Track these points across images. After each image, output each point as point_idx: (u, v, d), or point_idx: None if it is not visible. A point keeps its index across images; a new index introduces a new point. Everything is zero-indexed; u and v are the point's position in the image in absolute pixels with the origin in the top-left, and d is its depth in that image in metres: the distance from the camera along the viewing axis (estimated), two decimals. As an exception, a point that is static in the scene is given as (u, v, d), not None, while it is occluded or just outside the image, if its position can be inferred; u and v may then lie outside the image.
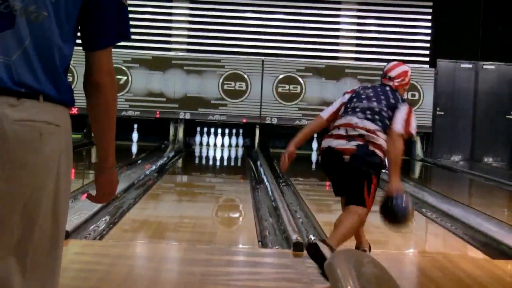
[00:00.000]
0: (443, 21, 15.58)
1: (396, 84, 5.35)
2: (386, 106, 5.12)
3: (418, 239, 7.07)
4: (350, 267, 1.76)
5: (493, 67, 15.28)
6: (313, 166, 14.82)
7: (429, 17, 15.42)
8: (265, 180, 9.64)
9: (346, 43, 15.71)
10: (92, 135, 2.39)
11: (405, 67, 5.46)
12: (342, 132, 5.06)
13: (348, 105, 5.23)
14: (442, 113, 14.85)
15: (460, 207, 8.18)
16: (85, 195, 2.54)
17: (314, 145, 15.44)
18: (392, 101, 5.17)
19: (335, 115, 5.26)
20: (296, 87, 15.08)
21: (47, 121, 2.22)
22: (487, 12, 15.55)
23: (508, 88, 15.30)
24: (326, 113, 5.33)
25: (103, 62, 2.32)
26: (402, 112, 5.10)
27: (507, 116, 15.26)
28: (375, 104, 5.13)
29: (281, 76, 15.09)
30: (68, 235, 5.40)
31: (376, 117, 5.07)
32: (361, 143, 4.96)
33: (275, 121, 15.02)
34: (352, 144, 4.97)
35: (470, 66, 15.16)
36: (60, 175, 2.28)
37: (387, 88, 5.30)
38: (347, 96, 5.33)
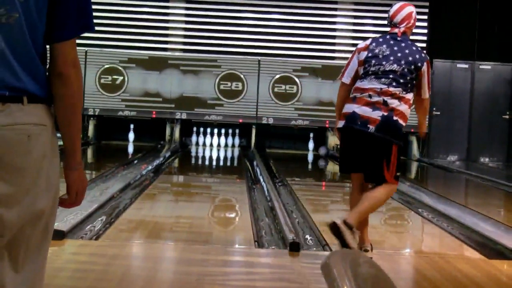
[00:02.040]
0: (439, 21, 15.60)
1: (402, 29, 5.41)
2: (407, 65, 5.24)
3: (414, 239, 7.08)
4: (346, 267, 1.76)
5: (489, 67, 15.29)
6: (310, 166, 14.82)
7: (425, 17, 15.43)
8: (262, 180, 9.64)
9: (342, 43, 15.71)
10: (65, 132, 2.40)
11: (409, 8, 5.50)
12: (366, 97, 5.18)
13: (368, 67, 5.28)
14: (438, 113, 14.86)
15: (457, 207, 8.19)
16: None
17: (311, 145, 15.46)
18: (410, 58, 5.27)
19: (356, 75, 5.36)
20: (292, 87, 15.09)
21: (34, 122, 2.27)
22: (483, 12, 15.57)
23: (504, 88, 15.32)
24: (348, 77, 5.40)
25: (67, 54, 2.34)
26: (425, 75, 5.30)
27: (503, 116, 15.27)
28: (395, 66, 5.22)
29: (277, 76, 15.09)
30: (64, 235, 5.40)
31: (401, 80, 5.19)
32: (385, 113, 5.11)
33: (271, 121, 15.02)
34: (377, 115, 5.10)
35: (466, 66, 15.17)
36: (51, 172, 2.34)
37: (399, 39, 5.36)
38: (363, 54, 5.35)
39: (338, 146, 15.04)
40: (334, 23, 15.68)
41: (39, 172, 2.29)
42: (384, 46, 5.34)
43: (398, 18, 5.43)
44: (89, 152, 14.19)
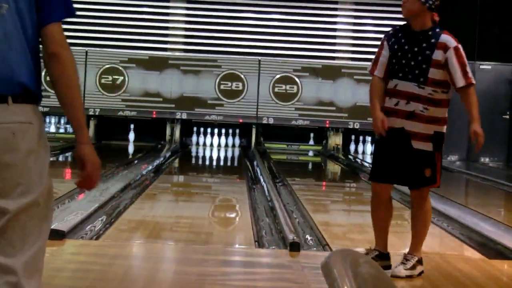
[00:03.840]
0: (439, 21, 15.57)
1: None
2: None
3: (414, 239, 7.07)
4: (347, 267, 1.76)
5: (489, 67, 15.29)
6: (310, 166, 14.82)
7: (426, 17, 15.43)
8: (262, 180, 9.64)
9: (342, 43, 15.71)
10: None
11: None
12: None
13: None
14: (439, 113, 14.83)
15: (457, 207, 8.19)
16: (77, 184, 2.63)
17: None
18: None
19: None
20: (293, 87, 15.09)
21: (20, 121, 2.39)
22: (484, 12, 15.56)
23: (505, 88, 15.32)
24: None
25: (56, 35, 2.48)
26: None
27: (504, 116, 15.27)
28: None
29: (277, 76, 15.09)
30: (64, 235, 5.40)
31: None
32: None
33: (271, 121, 15.02)
34: None
35: (467, 66, 15.15)
36: (41, 166, 2.46)
37: None
38: None
39: (338, 146, 15.15)
40: (334, 23, 15.68)
41: (28, 167, 2.40)
42: None
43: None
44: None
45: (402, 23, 5.03)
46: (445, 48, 4.77)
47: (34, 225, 2.45)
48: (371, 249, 5.06)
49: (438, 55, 4.75)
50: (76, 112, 2.53)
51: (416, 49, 4.78)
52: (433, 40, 4.78)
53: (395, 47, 4.83)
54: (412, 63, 4.76)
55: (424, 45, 4.77)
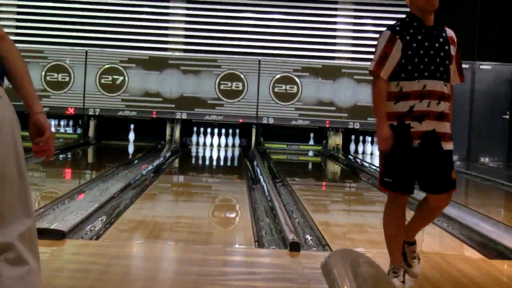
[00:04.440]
0: (439, 21, 15.58)
1: None
2: None
3: (414, 239, 7.07)
4: (347, 267, 1.76)
5: (489, 67, 15.30)
6: (310, 166, 14.82)
7: (426, 17, 15.42)
8: (262, 180, 9.64)
9: (342, 43, 15.71)
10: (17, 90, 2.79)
11: None
12: None
13: None
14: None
15: (457, 207, 8.18)
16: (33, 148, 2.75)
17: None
18: None
19: None
20: (293, 87, 15.09)
21: None
22: (484, 12, 15.57)
23: (505, 88, 15.32)
24: None
25: None
26: None
27: (504, 116, 15.27)
28: None
29: (277, 76, 15.10)
30: (64, 235, 5.40)
31: None
32: None
33: (271, 121, 15.03)
34: None
35: (467, 66, 15.15)
36: (17, 136, 2.57)
37: None
38: None
39: (338, 146, 15.17)
40: (334, 23, 15.69)
41: (4, 139, 2.51)
42: None
43: None
44: (89, 152, 14.19)
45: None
46: (454, 43, 4.62)
47: (11, 202, 2.51)
48: (398, 267, 4.66)
49: (452, 50, 4.58)
50: (29, 84, 2.72)
51: (436, 45, 4.50)
52: (444, 35, 4.59)
53: (414, 45, 4.50)
54: (438, 60, 4.47)
55: (441, 40, 4.54)
